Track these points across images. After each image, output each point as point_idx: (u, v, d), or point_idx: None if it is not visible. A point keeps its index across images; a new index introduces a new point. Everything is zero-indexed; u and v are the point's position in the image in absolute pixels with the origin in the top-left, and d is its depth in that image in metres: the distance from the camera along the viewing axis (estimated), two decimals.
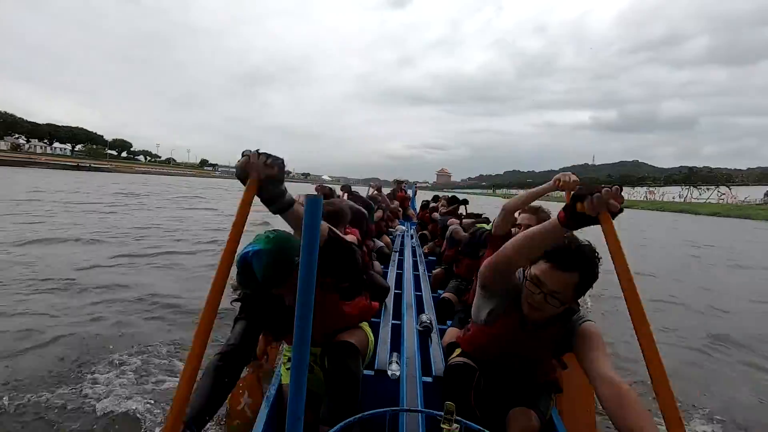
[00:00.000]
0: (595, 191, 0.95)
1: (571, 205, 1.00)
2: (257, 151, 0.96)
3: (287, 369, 1.64)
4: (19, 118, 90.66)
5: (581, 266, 1.21)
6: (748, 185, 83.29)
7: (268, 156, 0.96)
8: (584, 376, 1.22)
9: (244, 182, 0.97)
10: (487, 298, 1.48)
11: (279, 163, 0.97)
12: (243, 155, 0.97)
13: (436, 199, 6.67)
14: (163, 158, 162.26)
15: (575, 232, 1.14)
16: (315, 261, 0.71)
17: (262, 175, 0.96)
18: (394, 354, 1.81)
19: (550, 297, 1.24)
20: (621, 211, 0.96)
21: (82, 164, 67.66)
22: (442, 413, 0.95)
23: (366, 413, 1.05)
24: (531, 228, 1.20)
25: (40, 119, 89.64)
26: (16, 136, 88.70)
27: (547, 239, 1.14)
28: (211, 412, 1.17)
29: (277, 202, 1.04)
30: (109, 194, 19.74)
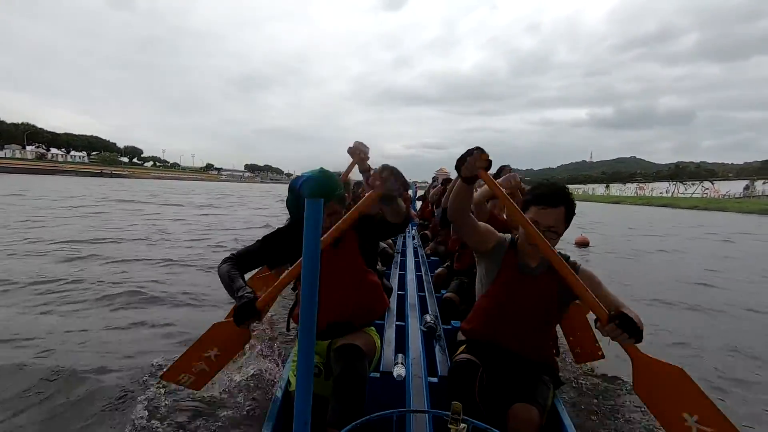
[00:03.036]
0: (466, 156, 1.33)
1: (458, 170, 1.37)
2: (389, 171, 1.25)
3: (295, 375, 1.59)
4: (39, 128, 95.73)
5: (564, 200, 1.46)
6: (730, 180, 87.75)
7: (400, 180, 1.26)
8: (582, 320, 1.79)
9: (366, 181, 1.28)
10: (483, 260, 1.66)
11: (400, 187, 1.29)
12: (376, 173, 1.28)
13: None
14: (169, 163, 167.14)
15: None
16: (317, 261, 0.72)
17: (385, 192, 1.28)
18: (399, 355, 1.80)
19: (548, 233, 1.43)
20: (490, 162, 1.34)
21: (105, 171, 72.55)
22: (449, 413, 0.94)
23: (373, 415, 1.06)
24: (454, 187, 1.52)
25: (42, 126, 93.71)
26: (37, 145, 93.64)
27: (462, 193, 1.46)
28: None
29: (390, 202, 1.41)
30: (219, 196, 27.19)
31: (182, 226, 10.26)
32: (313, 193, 1.43)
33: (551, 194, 1.46)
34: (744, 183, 77.93)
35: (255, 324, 1.44)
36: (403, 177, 1.29)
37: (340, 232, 1.41)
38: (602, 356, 2.32)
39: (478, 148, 1.31)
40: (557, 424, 1.51)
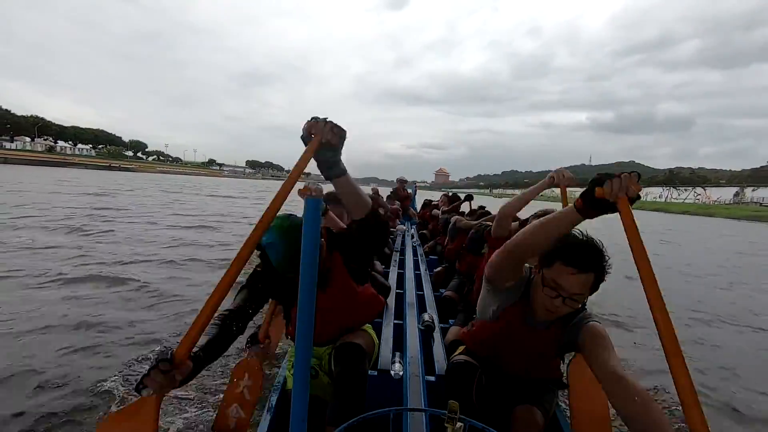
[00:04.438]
0: (615, 176, 0.95)
1: (589, 190, 0.99)
2: (325, 118, 1.06)
3: (292, 374, 1.52)
4: (48, 121, 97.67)
5: (597, 266, 1.21)
6: (722, 186, 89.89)
7: (334, 125, 1.05)
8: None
9: (305, 142, 1.06)
10: (494, 294, 1.46)
11: (342, 134, 1.06)
12: (310, 121, 1.06)
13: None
14: (171, 158, 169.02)
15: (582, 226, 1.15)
16: (316, 261, 0.72)
17: (323, 139, 1.04)
18: (397, 354, 1.80)
19: (569, 300, 1.22)
20: (639, 197, 0.96)
21: (113, 165, 74.49)
22: (446, 412, 0.93)
23: (370, 413, 1.05)
24: (546, 216, 1.18)
25: (39, 116, 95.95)
26: (45, 137, 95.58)
27: (563, 227, 1.12)
28: (212, 355, 1.21)
29: (332, 168, 1.14)
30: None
31: None
32: (282, 260, 1.31)
33: (585, 256, 1.21)
34: (735, 190, 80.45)
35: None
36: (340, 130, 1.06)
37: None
38: None
39: (635, 172, 0.96)
40: (556, 427, 1.51)
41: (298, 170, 1.05)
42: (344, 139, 1.08)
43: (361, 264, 1.65)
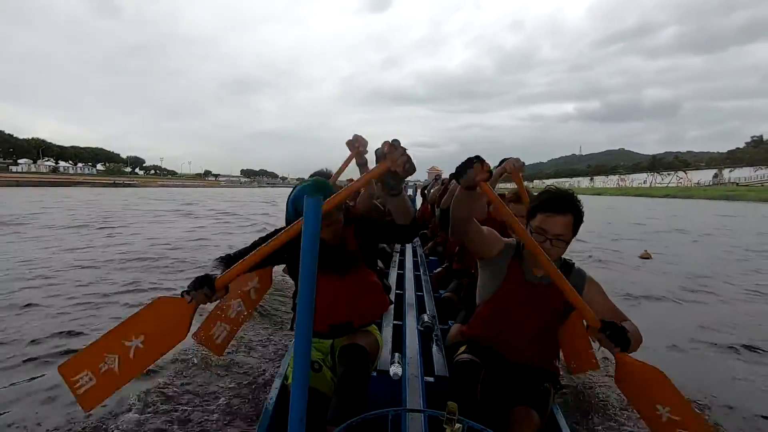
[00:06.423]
0: (466, 168, 1.17)
1: (456, 178, 1.22)
2: (404, 149, 1.07)
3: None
4: (49, 142, 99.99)
5: (572, 207, 1.40)
6: (702, 169, 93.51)
7: (410, 162, 1.08)
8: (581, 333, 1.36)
9: (377, 159, 1.12)
10: (489, 266, 1.58)
11: (411, 170, 1.10)
12: (392, 142, 1.07)
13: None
14: (166, 171, 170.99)
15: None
16: (316, 259, 0.73)
17: (393, 168, 1.07)
18: (396, 354, 1.80)
19: (555, 240, 1.40)
20: (491, 173, 1.19)
21: (117, 181, 76.53)
22: (445, 413, 0.94)
23: (369, 413, 1.06)
24: (455, 196, 1.37)
25: (32, 136, 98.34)
26: (46, 159, 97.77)
27: (465, 200, 1.33)
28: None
29: (393, 189, 1.22)
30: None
31: None
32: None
33: (559, 200, 1.42)
34: (714, 171, 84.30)
35: (245, 317, 1.48)
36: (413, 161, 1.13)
37: (340, 201, 1.19)
38: (597, 366, 1.93)
39: (478, 159, 1.17)
40: (554, 427, 1.53)
41: (363, 182, 1.23)
42: (411, 174, 1.11)
43: (372, 252, 1.65)
